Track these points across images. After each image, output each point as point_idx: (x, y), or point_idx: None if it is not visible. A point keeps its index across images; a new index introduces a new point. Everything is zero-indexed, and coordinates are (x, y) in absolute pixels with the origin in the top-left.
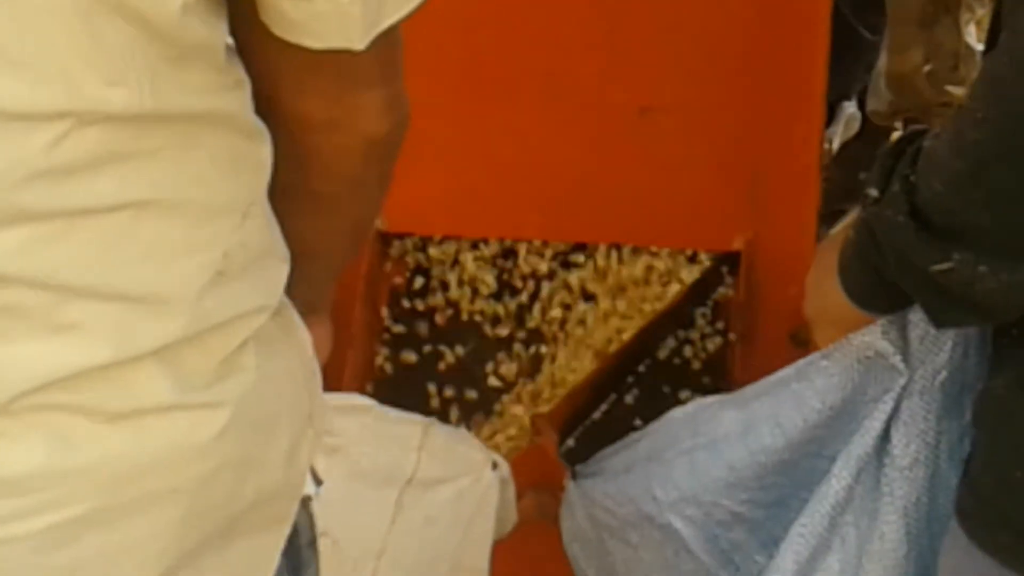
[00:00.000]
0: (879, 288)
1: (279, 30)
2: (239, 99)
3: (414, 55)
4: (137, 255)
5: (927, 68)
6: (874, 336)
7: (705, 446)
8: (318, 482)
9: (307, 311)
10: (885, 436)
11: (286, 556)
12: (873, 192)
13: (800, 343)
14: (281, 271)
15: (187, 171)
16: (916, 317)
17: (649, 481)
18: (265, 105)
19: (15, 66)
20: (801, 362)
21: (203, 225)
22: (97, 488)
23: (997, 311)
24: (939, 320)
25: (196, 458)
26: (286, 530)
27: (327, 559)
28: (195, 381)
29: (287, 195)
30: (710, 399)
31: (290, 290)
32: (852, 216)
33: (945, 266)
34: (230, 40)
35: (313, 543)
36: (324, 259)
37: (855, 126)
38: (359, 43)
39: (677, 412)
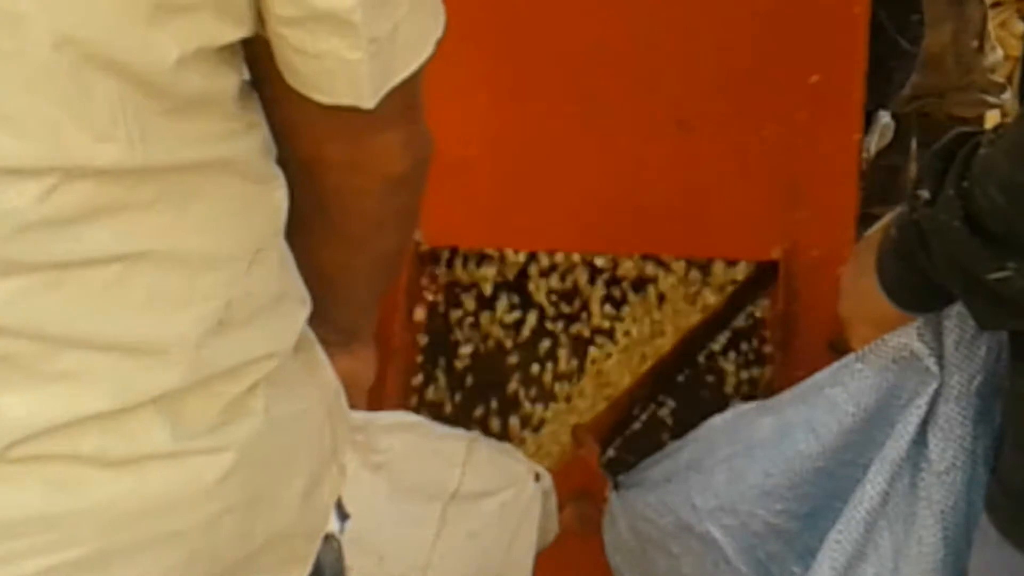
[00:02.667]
0: (921, 288)
1: (291, 81)
2: (249, 144)
3: (452, 69)
4: (132, 306)
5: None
6: (910, 337)
7: (743, 453)
8: (344, 517)
9: (347, 339)
10: (919, 440)
11: None
12: (924, 194)
13: (839, 352)
14: (297, 315)
15: (186, 221)
16: (951, 323)
17: (689, 490)
18: (284, 146)
19: (3, 120)
20: (835, 365)
21: (203, 275)
22: (96, 531)
23: None
24: (985, 324)
25: (199, 501)
26: (305, 570)
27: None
28: (196, 427)
29: (309, 232)
30: (748, 405)
31: (327, 319)
32: (888, 218)
33: (1002, 275)
34: (247, 76)
35: None
36: (355, 291)
37: (888, 135)
38: (368, 101)
39: (717, 420)
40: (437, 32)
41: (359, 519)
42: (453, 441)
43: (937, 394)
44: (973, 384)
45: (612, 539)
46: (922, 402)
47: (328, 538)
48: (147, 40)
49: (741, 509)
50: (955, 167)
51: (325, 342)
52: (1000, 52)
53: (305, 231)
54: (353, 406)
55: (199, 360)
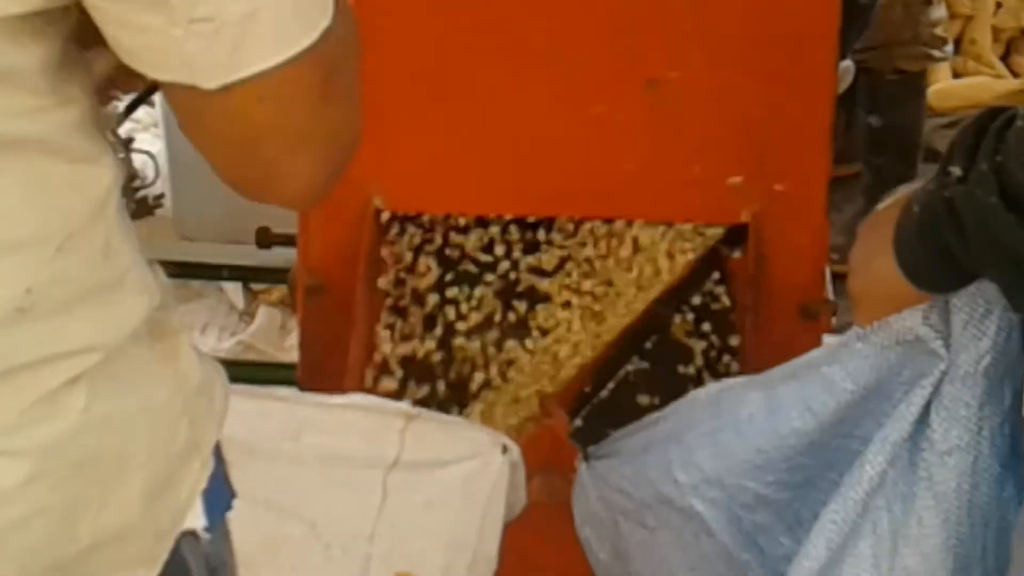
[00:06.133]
0: (945, 268)
1: (123, 58)
2: (61, 121)
3: (418, 32)
4: None
5: None
6: (915, 321)
7: (729, 428)
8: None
9: None
10: (923, 421)
11: None
12: (956, 171)
13: (809, 316)
14: (133, 306)
15: None
16: (959, 302)
17: (669, 463)
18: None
19: None
20: (833, 344)
21: None
22: None
23: None
24: (1019, 304)
25: (1, 503)
26: (153, 569)
27: (303, 543)
28: None
29: None
30: (733, 381)
31: None
32: (903, 193)
33: None
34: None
35: None
36: None
37: (848, 78)
38: (207, 82)
39: (699, 393)
40: (301, 42)
41: (282, 488)
42: (389, 413)
43: (944, 374)
44: (981, 364)
45: (581, 511)
46: (927, 383)
47: (191, 535)
48: None
49: (728, 482)
50: (988, 141)
51: None
52: (944, 9)
53: None
54: None
55: None
